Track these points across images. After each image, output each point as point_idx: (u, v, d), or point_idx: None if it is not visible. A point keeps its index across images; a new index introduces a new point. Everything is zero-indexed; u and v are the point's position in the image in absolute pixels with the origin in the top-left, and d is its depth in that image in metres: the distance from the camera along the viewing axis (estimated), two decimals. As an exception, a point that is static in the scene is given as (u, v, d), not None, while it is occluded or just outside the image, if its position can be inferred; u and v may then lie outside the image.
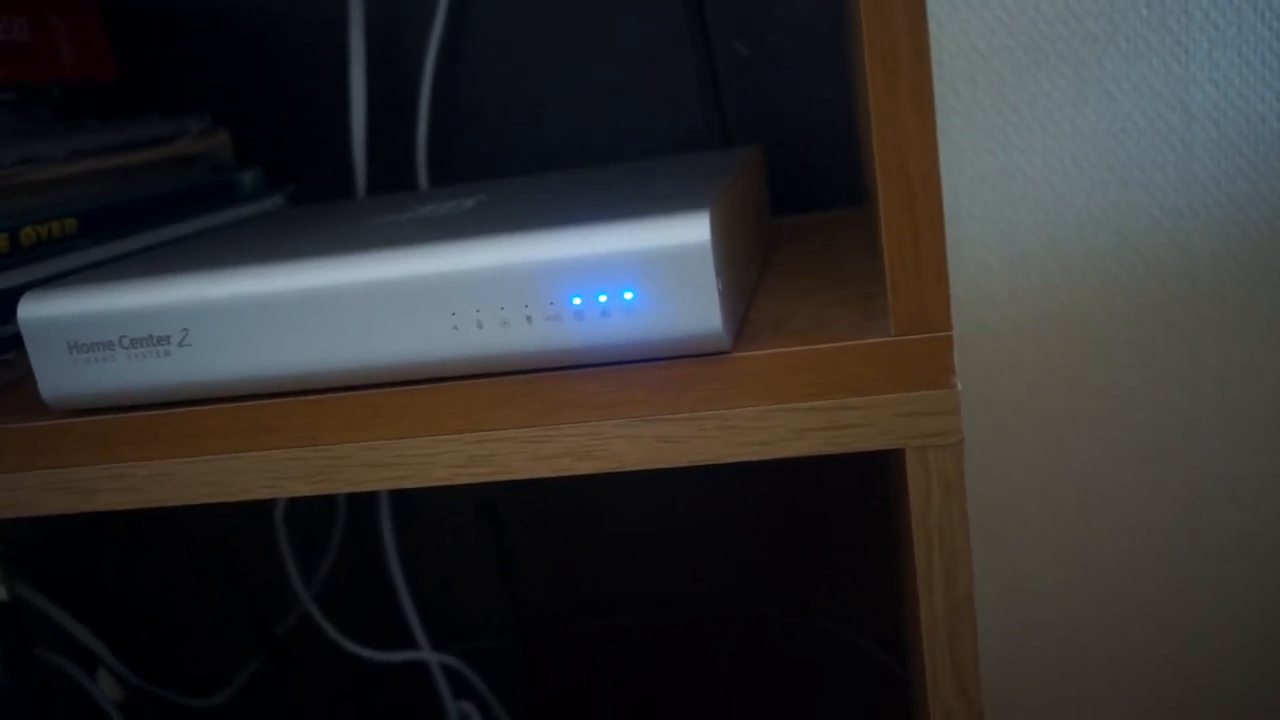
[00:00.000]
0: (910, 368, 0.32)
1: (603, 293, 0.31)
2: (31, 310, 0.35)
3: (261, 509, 0.71)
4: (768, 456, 0.34)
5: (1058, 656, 0.68)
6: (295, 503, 0.70)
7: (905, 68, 0.30)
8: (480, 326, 0.32)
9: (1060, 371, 0.62)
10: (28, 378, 0.43)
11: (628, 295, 0.31)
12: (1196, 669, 0.67)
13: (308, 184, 0.63)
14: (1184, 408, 0.62)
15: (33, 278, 0.44)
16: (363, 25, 0.59)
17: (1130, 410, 0.62)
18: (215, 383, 0.35)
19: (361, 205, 0.49)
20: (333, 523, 0.70)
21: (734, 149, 0.50)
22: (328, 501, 0.70)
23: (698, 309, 0.31)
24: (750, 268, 0.39)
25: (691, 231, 0.30)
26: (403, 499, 0.69)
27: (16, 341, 0.44)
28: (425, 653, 0.67)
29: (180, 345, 0.34)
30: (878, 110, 0.30)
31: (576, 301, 0.31)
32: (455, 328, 0.32)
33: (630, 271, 0.31)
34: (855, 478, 0.65)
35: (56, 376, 0.36)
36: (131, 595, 0.75)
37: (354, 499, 0.70)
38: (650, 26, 0.57)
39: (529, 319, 0.32)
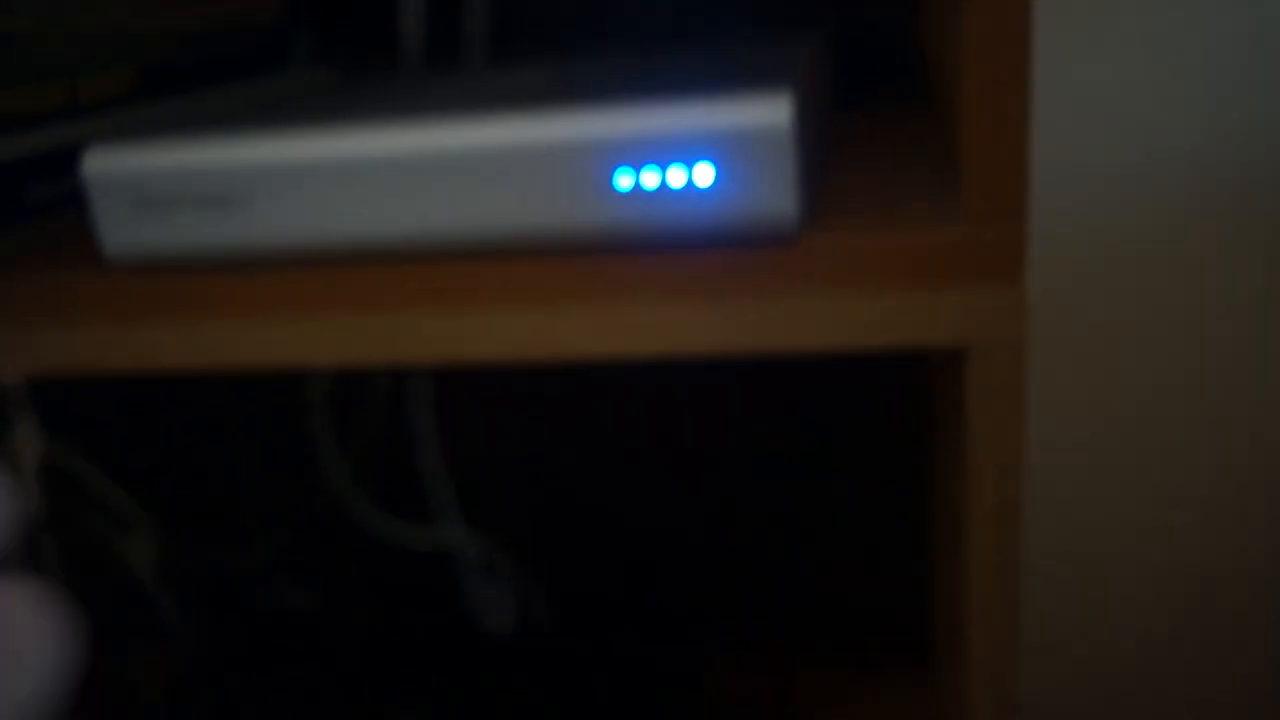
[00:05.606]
0: (979, 260, 0.32)
1: (675, 166, 0.31)
2: (97, 164, 0.35)
3: (299, 383, 0.72)
4: (828, 348, 0.34)
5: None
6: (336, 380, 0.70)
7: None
8: (549, 198, 0.32)
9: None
10: (75, 239, 0.43)
11: (699, 173, 0.31)
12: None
13: (358, 54, 0.62)
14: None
15: (92, 133, 0.44)
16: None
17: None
18: (279, 247, 0.35)
19: (421, 76, 0.49)
20: (369, 403, 0.71)
21: (799, 32, 0.49)
22: (365, 382, 0.70)
23: (772, 192, 0.31)
24: (819, 156, 0.39)
25: (773, 112, 0.30)
26: (445, 380, 0.70)
27: (63, 203, 0.43)
28: (456, 535, 0.69)
29: (246, 207, 0.34)
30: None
31: (646, 178, 0.31)
32: (522, 200, 0.32)
33: (704, 150, 0.30)
34: (873, 389, 0.65)
35: (119, 233, 0.36)
36: (171, 460, 0.76)
37: (396, 378, 0.71)
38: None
39: (595, 195, 0.32)
